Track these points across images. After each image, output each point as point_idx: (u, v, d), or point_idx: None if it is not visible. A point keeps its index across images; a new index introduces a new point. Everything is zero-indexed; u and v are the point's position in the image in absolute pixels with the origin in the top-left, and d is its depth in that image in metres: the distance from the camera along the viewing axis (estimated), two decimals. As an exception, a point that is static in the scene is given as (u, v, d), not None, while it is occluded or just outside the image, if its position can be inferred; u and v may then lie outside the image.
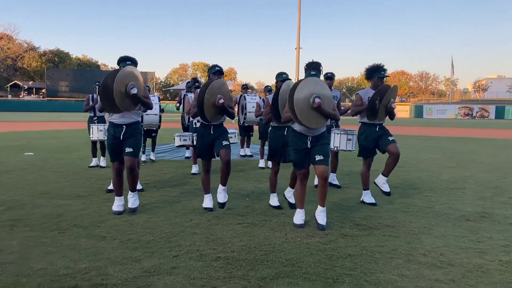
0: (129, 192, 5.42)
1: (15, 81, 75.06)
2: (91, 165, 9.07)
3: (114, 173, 5.47)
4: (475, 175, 8.49)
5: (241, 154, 11.12)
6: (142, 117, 8.55)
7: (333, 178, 7.13)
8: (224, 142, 5.40)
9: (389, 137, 5.69)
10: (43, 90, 71.14)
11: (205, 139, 5.46)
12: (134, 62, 5.36)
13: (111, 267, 3.58)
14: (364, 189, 5.96)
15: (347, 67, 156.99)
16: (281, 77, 5.62)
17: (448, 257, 3.88)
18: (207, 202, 5.56)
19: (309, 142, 4.79)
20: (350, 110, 6.01)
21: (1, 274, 3.42)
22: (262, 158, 9.43)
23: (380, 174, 5.88)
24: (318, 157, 4.72)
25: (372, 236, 4.47)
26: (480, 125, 35.00)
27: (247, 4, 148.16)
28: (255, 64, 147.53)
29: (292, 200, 5.72)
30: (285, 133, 5.48)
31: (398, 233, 4.58)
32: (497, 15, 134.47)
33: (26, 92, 74.22)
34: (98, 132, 8.45)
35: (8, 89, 73.01)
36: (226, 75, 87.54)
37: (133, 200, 5.40)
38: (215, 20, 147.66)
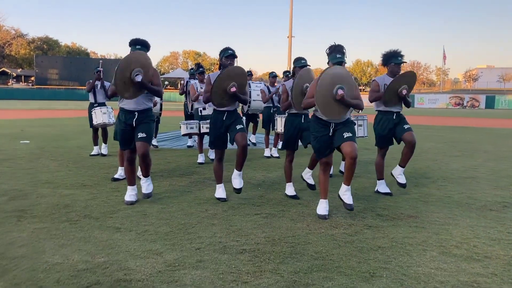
0: (142, 177, 5.20)
1: (3, 69, 73.77)
2: (92, 153, 8.79)
3: (126, 162, 5.22)
4: (484, 164, 8.38)
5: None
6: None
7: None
8: (239, 126, 5.20)
9: (404, 125, 5.51)
10: (32, 78, 69.98)
11: (218, 126, 5.23)
12: (145, 46, 5.08)
13: (132, 261, 3.37)
14: (379, 179, 5.79)
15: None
16: (300, 63, 5.41)
17: (482, 249, 3.73)
18: (220, 192, 5.36)
19: (331, 130, 4.59)
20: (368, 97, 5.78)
21: (15, 269, 3.19)
22: (267, 147, 9.22)
23: (397, 165, 5.71)
24: (346, 134, 4.47)
25: (398, 227, 4.31)
26: (471, 114, 35.09)
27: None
28: (247, 52, 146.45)
29: (310, 180, 5.58)
30: (302, 121, 5.29)
31: (423, 224, 4.42)
32: (487, 6, 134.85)
33: (14, 80, 73.06)
34: (102, 115, 8.11)
35: (-4, 76, 71.75)
36: (216, 63, 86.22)
37: (146, 185, 5.18)
38: (206, 8, 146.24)
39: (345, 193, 4.59)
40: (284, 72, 9.98)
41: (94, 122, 8.25)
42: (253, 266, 3.31)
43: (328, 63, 4.60)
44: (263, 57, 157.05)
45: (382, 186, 5.76)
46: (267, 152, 9.14)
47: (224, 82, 4.99)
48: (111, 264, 3.31)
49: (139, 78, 4.75)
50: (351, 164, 4.45)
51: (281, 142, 9.96)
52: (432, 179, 6.81)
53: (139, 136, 4.99)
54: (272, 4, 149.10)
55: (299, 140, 5.51)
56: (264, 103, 9.26)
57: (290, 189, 5.55)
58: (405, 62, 5.54)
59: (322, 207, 4.67)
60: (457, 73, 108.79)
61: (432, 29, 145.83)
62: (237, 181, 5.29)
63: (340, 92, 4.31)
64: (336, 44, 4.59)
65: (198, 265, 3.30)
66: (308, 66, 5.37)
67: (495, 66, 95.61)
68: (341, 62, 4.52)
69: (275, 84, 9.55)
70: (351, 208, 4.52)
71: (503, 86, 79.96)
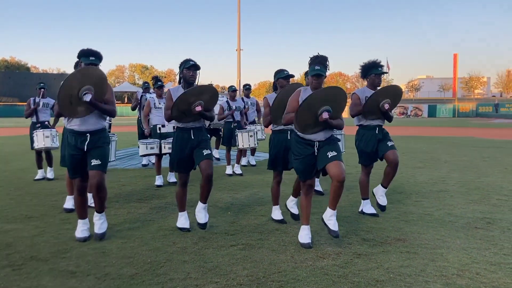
0: (95, 213, 4.51)
1: None
2: (36, 177, 7.92)
3: (76, 193, 4.49)
4: (449, 176, 8.29)
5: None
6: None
7: (317, 184, 6.60)
8: (205, 152, 4.61)
9: (388, 142, 5.20)
10: (-34, 94, 65.69)
11: (184, 146, 4.66)
12: (98, 58, 4.45)
13: (93, 317, 2.78)
14: (363, 199, 5.43)
15: (287, 67, 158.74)
16: (283, 74, 4.93)
17: (487, 276, 3.41)
18: (183, 221, 4.78)
19: (315, 149, 4.17)
20: (349, 111, 5.43)
21: None
22: (229, 164, 8.72)
23: (379, 185, 5.39)
24: (331, 153, 4.06)
25: (389, 254, 3.94)
26: (416, 123, 36.10)
27: (185, 4, 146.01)
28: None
29: (295, 210, 5.10)
30: (289, 137, 4.82)
31: (414, 248, 4.08)
32: (424, 17, 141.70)
33: None
34: (44, 139, 7.29)
35: None
36: (165, 77, 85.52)
37: (100, 223, 4.48)
38: (152, 20, 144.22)
39: (331, 218, 4.17)
40: (244, 86, 9.59)
41: (36, 146, 7.38)
42: (241, 315, 2.81)
43: (305, 74, 4.20)
44: (213, 71, 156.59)
45: (367, 207, 5.40)
46: (229, 170, 8.64)
47: (190, 99, 4.48)
48: (67, 324, 2.70)
49: (87, 98, 4.10)
50: (337, 188, 4.05)
51: (244, 158, 9.69)
52: (405, 194, 6.57)
53: (92, 164, 4.32)
54: (221, 17, 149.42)
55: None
56: (220, 120, 8.80)
57: (276, 213, 5.08)
58: (386, 73, 5.26)
59: (304, 234, 4.22)
60: (400, 83, 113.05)
61: (376, 41, 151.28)
62: (201, 215, 4.69)
63: (325, 115, 3.94)
64: (319, 55, 4.17)
65: (175, 319, 2.76)
66: (291, 77, 4.94)
67: (434, 77, 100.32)
68: (319, 75, 4.13)
69: (235, 98, 9.11)
70: (337, 235, 4.12)
71: (443, 95, 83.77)
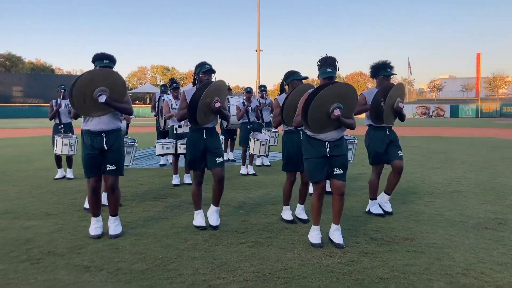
0: (110, 217, 4.65)
1: (-37, 87, 70.90)
2: (56, 177, 8.18)
3: (90, 192, 4.60)
4: (465, 176, 8.23)
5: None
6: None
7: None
8: (219, 160, 4.79)
9: (398, 152, 5.26)
10: (-6, 96, 67.56)
11: (198, 146, 4.79)
12: (112, 61, 4.60)
13: (104, 309, 2.92)
14: (371, 199, 5.46)
15: (306, 69, 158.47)
16: (298, 76, 4.96)
17: (491, 276, 3.44)
18: (199, 219, 4.90)
19: (328, 149, 4.22)
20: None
21: (-36, 328, 2.69)
22: (244, 164, 8.83)
23: (383, 193, 5.43)
24: (336, 171, 4.19)
25: (395, 253, 3.98)
26: (438, 123, 35.63)
27: (206, 5, 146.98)
28: (216, 66, 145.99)
29: (303, 215, 5.16)
30: (301, 137, 4.84)
31: (421, 248, 4.12)
32: (449, 17, 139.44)
33: (-26, 98, 70.27)
34: (62, 147, 7.52)
35: (-45, 95, 68.86)
36: (186, 78, 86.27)
37: (114, 226, 4.62)
38: (174, 22, 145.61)
39: (334, 233, 4.26)
40: (260, 87, 9.70)
41: (55, 151, 7.67)
42: (245, 309, 2.91)
43: (318, 77, 4.25)
44: (232, 71, 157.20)
45: (374, 207, 5.42)
46: (243, 170, 8.76)
47: (206, 98, 4.59)
48: (79, 315, 2.84)
49: (102, 99, 4.24)
50: (338, 201, 4.21)
51: (258, 158, 9.80)
52: (418, 195, 6.57)
53: (108, 169, 4.50)
54: (241, 18, 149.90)
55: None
56: (238, 120, 8.93)
57: (287, 213, 5.14)
58: (395, 74, 5.28)
59: (315, 235, 4.27)
60: (422, 83, 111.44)
61: (397, 42, 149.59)
62: (214, 218, 4.86)
63: (337, 112, 3.98)
64: (328, 56, 4.23)
65: (181, 312, 2.87)
66: (303, 79, 4.99)
67: (457, 76, 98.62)
68: (331, 77, 4.18)
69: (251, 99, 9.22)
70: (342, 247, 4.15)
71: (465, 95, 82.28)
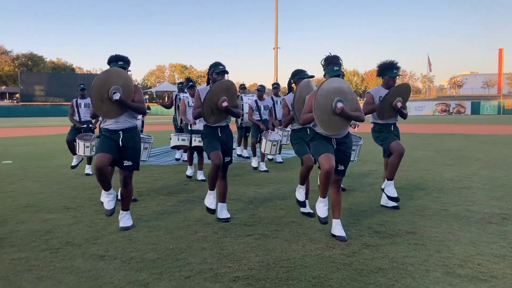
0: (121, 211, 4.87)
1: (-13, 86, 72.87)
2: (73, 164, 8.49)
3: (96, 171, 4.57)
4: (478, 173, 8.26)
5: (238, 153, 10.74)
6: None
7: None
8: (226, 159, 5.12)
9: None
10: (17, 95, 69.21)
11: (214, 138, 5.05)
12: (126, 62, 4.85)
13: (116, 294, 3.13)
14: (389, 179, 5.49)
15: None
16: (305, 75, 5.18)
17: (488, 267, 3.55)
18: (211, 199, 5.07)
19: (334, 145, 4.40)
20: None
21: (-11, 308, 2.93)
22: (254, 156, 9.06)
23: (385, 181, 5.54)
24: (339, 167, 4.43)
25: (397, 245, 4.12)
26: (458, 120, 35.27)
27: (223, 3, 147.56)
28: (233, 64, 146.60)
29: (300, 197, 5.28)
30: (308, 133, 5.02)
31: (423, 241, 4.24)
32: (469, 14, 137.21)
33: (-1, 97, 72.15)
34: (84, 149, 7.78)
35: (-20, 94, 70.84)
36: (204, 76, 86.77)
37: (125, 220, 4.84)
38: (192, 20, 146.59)
39: (336, 227, 4.41)
40: (273, 84, 9.87)
41: (77, 151, 7.94)
42: (247, 295, 3.09)
43: (324, 75, 4.40)
44: (250, 69, 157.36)
45: (389, 188, 5.46)
46: (254, 163, 8.97)
47: (214, 97, 4.80)
48: (93, 298, 3.06)
49: (117, 96, 4.49)
50: (336, 193, 4.45)
51: (268, 155, 9.98)
52: (426, 191, 6.66)
53: (124, 164, 4.75)
54: (258, 15, 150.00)
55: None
56: (249, 120, 9.16)
57: (301, 191, 5.23)
58: (401, 75, 5.40)
59: (322, 207, 4.43)
60: (442, 80, 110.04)
61: (416, 37, 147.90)
62: (223, 212, 5.12)
63: (340, 105, 4.13)
64: (332, 55, 4.39)
65: (188, 297, 3.07)
66: (308, 78, 5.16)
67: (478, 73, 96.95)
68: (339, 75, 4.34)
69: (264, 97, 9.40)
70: (345, 240, 4.29)
71: (487, 91, 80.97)
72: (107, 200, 4.82)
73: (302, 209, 5.29)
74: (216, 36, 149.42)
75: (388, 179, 5.47)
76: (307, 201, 5.29)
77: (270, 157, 10.06)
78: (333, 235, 4.39)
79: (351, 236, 4.40)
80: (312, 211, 5.19)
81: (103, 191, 4.88)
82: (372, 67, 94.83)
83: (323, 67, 4.41)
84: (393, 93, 5.19)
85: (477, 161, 10.12)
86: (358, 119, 4.34)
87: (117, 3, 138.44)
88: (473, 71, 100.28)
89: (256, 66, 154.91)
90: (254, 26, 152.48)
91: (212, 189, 5.11)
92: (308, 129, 5.05)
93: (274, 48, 42.62)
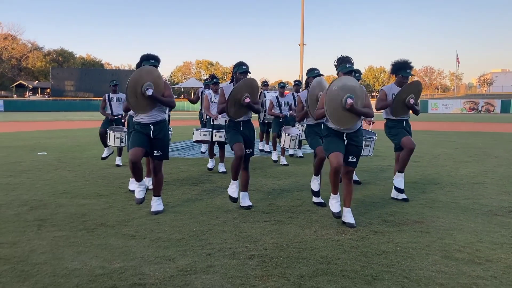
0: (153, 197, 5.35)
1: (20, 81, 75.34)
2: (104, 155, 9.05)
3: (130, 162, 5.10)
4: (494, 170, 8.42)
5: (260, 148, 11.14)
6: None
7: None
8: (248, 151, 5.51)
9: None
10: (48, 90, 71.38)
11: (236, 131, 5.47)
12: (157, 61, 5.30)
13: (146, 266, 3.56)
14: (400, 171, 5.82)
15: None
16: (313, 73, 5.58)
17: (485, 253, 3.84)
18: (234, 188, 5.48)
19: (345, 139, 4.74)
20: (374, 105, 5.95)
21: (37, 274, 3.40)
22: (274, 149, 9.44)
23: (396, 173, 5.83)
24: (351, 158, 4.73)
25: (403, 232, 4.43)
26: (486, 119, 34.79)
27: (250, 1, 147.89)
28: (259, 60, 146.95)
29: (315, 187, 5.71)
30: (322, 128, 5.42)
31: (428, 229, 4.54)
32: (501, 9, 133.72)
33: (31, 92, 74.51)
34: (115, 140, 8.27)
35: (13, 89, 73.30)
36: (229, 73, 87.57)
37: (156, 205, 5.31)
38: (218, 17, 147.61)
39: (346, 215, 4.73)
40: (295, 81, 10.20)
41: (107, 143, 8.46)
42: (261, 270, 3.47)
43: (338, 74, 4.74)
44: (276, 66, 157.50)
45: (398, 179, 5.81)
46: (274, 156, 9.34)
47: (238, 94, 5.20)
48: (126, 269, 3.49)
49: (149, 92, 4.93)
50: (346, 185, 4.75)
51: (289, 150, 10.34)
52: (440, 185, 6.90)
53: (155, 154, 5.21)
54: (284, 12, 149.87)
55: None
56: (270, 115, 9.52)
57: (315, 182, 5.65)
58: (413, 75, 5.67)
59: (334, 203, 4.81)
60: (471, 78, 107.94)
61: (445, 34, 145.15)
62: (245, 200, 5.50)
63: (349, 101, 4.46)
64: (344, 55, 4.76)
65: (208, 270, 3.47)
66: (321, 76, 5.53)
67: (510, 70, 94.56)
68: (351, 71, 4.68)
69: (286, 93, 9.74)
70: (354, 226, 4.62)
71: (518, 90, 78.94)
72: (139, 190, 5.34)
73: (315, 199, 5.64)
74: (243, 33, 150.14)
75: (398, 172, 5.76)
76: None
77: (291, 152, 10.42)
78: (343, 222, 4.72)
79: (360, 224, 4.73)
80: (323, 201, 5.54)
81: (134, 181, 5.34)
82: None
83: (336, 67, 4.75)
84: (405, 90, 5.47)
85: (496, 158, 10.23)
86: (367, 115, 4.67)
87: (143, 0, 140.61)
88: (504, 69, 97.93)
89: (282, 62, 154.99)
90: (280, 22, 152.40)
91: (235, 179, 5.51)
92: (322, 124, 5.40)
93: (300, 45, 42.86)
